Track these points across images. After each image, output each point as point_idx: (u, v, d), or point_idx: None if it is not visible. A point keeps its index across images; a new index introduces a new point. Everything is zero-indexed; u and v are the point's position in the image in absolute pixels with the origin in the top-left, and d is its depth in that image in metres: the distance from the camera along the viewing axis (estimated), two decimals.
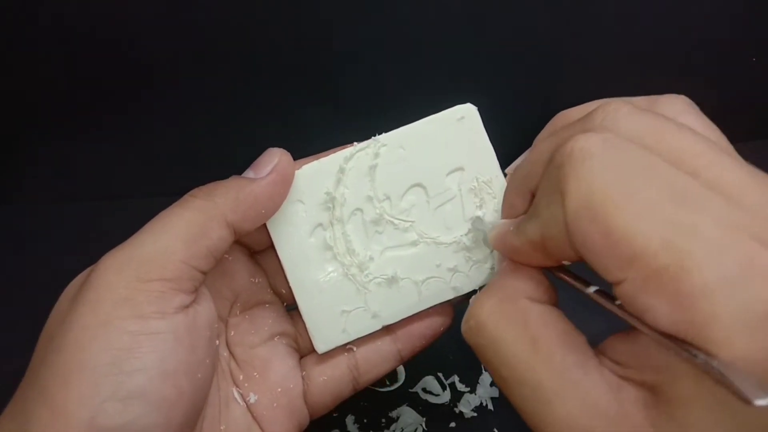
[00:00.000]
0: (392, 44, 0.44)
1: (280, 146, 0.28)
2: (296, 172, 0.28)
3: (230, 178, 0.26)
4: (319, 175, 0.28)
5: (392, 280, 0.28)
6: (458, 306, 0.30)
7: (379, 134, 0.29)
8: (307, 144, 0.31)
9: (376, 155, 0.28)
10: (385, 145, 0.28)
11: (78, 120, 0.46)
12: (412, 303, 0.28)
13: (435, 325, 0.29)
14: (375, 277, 0.28)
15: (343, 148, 0.29)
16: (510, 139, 0.32)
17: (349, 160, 0.28)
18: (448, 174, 0.29)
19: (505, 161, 0.29)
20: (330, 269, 0.28)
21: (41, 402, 0.21)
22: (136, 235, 0.24)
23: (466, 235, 0.28)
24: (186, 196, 0.25)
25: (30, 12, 0.42)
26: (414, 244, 0.28)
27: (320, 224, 0.28)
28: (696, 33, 0.46)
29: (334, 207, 0.28)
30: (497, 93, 0.43)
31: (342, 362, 0.29)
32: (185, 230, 0.24)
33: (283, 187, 0.27)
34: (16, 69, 0.44)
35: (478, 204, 0.29)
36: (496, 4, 0.43)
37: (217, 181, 0.26)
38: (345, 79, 0.46)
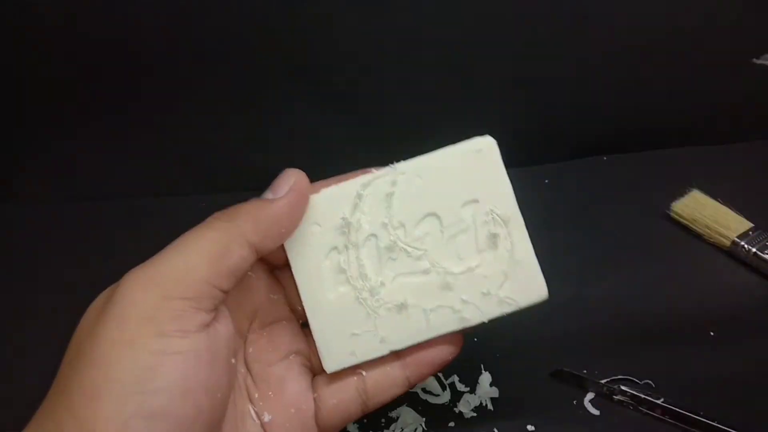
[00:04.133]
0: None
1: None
2: (314, 196, 0.28)
3: (250, 201, 0.27)
4: (337, 200, 0.28)
5: (402, 307, 0.28)
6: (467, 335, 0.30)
7: (395, 160, 0.29)
8: (307, 144, 0.31)
9: (394, 183, 0.28)
10: (403, 174, 0.28)
11: (78, 120, 0.46)
12: (421, 330, 0.28)
13: (444, 353, 0.29)
14: (385, 303, 0.28)
15: (362, 174, 0.29)
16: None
17: (366, 186, 0.28)
18: (463, 205, 0.29)
19: (522, 196, 0.29)
20: (342, 292, 0.29)
21: (69, 416, 0.21)
22: (160, 252, 0.24)
23: (478, 266, 0.28)
24: (209, 219, 0.26)
25: (31, 12, 0.42)
26: (426, 272, 0.28)
27: (335, 247, 0.28)
28: (696, 33, 0.46)
29: (349, 232, 0.28)
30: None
31: (351, 386, 0.29)
32: (208, 250, 0.24)
33: (300, 206, 0.27)
34: (17, 69, 0.44)
35: (492, 237, 0.28)
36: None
37: (238, 204, 0.26)
38: (344, 80, 0.46)
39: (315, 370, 0.30)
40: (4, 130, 0.46)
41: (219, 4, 0.42)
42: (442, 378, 0.36)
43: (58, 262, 0.42)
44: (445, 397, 0.35)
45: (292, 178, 0.27)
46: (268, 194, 0.27)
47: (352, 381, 0.29)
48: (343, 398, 0.29)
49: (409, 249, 0.29)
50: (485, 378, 0.35)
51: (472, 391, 0.35)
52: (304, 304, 0.29)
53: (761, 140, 0.49)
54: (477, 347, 0.37)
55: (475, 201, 0.29)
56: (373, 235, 0.29)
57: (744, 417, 0.32)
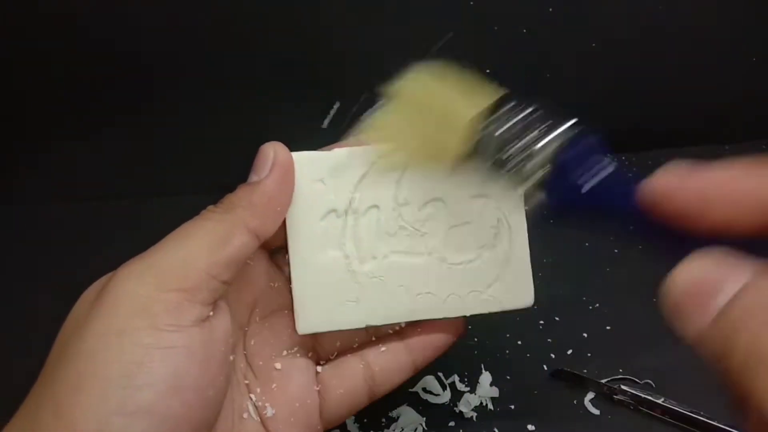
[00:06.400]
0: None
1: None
2: (326, 153, 0.27)
3: (238, 188, 0.26)
4: (348, 163, 0.27)
5: (389, 284, 0.28)
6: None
7: None
8: (308, 144, 0.31)
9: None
10: None
11: (78, 120, 0.46)
12: (402, 312, 0.28)
13: (448, 338, 0.29)
14: (374, 276, 0.28)
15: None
16: None
17: (381, 157, 0.28)
18: (472, 198, 0.28)
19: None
20: (332, 256, 0.27)
21: (50, 409, 0.20)
22: (158, 244, 0.24)
23: (473, 261, 0.28)
24: (204, 211, 0.25)
25: (30, 12, 0.42)
26: (420, 255, 0.28)
27: (335, 210, 0.27)
28: (696, 33, 0.46)
29: (353, 198, 0.28)
30: None
31: (359, 374, 0.28)
32: (208, 239, 0.24)
33: (288, 179, 0.26)
34: (17, 69, 0.44)
35: (493, 235, 0.28)
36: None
37: (228, 194, 0.26)
38: (351, 83, 0.46)
39: (319, 359, 0.29)
40: (5, 130, 0.46)
41: (219, 6, 0.42)
42: (443, 378, 0.36)
43: (58, 262, 0.42)
44: (445, 397, 0.35)
45: (270, 153, 0.26)
46: (253, 176, 0.26)
47: (359, 369, 0.28)
48: (350, 388, 0.28)
49: (409, 228, 0.28)
50: (485, 378, 0.35)
51: (472, 391, 0.35)
52: (291, 260, 0.27)
53: (761, 140, 0.49)
54: (477, 347, 0.37)
55: (485, 197, 0.28)
56: (376, 206, 0.28)
57: None
